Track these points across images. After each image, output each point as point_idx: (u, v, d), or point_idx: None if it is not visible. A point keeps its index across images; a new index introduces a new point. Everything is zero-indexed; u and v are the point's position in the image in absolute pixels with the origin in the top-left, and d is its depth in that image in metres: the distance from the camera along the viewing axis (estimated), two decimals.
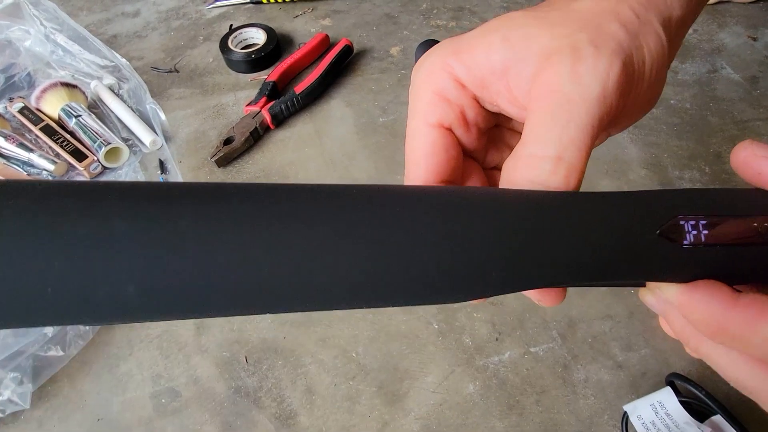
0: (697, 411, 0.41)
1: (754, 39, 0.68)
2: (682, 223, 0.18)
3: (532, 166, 0.19)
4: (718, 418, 0.40)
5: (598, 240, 0.18)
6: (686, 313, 0.19)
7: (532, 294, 0.22)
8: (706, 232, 0.18)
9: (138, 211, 0.14)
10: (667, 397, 0.42)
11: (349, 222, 0.16)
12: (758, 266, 0.19)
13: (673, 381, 0.43)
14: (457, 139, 0.22)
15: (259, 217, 0.15)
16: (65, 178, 0.60)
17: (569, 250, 0.18)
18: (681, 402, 0.41)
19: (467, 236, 0.17)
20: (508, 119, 0.25)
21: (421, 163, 0.22)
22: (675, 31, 0.21)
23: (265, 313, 0.16)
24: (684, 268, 0.19)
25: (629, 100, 0.20)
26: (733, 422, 0.39)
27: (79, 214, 0.14)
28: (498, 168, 0.26)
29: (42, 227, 0.13)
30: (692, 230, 0.18)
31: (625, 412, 0.42)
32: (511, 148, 0.25)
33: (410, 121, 0.22)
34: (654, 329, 0.47)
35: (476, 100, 0.22)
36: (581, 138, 0.18)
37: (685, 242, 0.18)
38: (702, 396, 0.41)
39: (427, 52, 0.22)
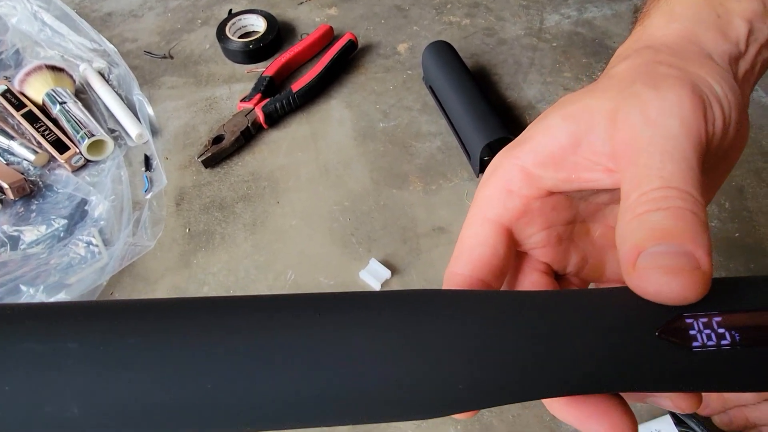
0: None
1: None
2: (689, 321, 0.16)
3: (642, 205, 0.17)
4: None
5: (577, 346, 0.16)
6: None
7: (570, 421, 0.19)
8: (721, 330, 0.16)
9: (87, 336, 0.15)
10: (666, 426, 0.40)
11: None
12: None
13: (673, 412, 0.41)
14: (512, 240, 0.21)
15: (199, 338, 0.15)
16: (46, 170, 0.57)
17: (542, 360, 0.16)
18: None
19: (426, 353, 0.16)
20: (589, 210, 0.23)
21: (465, 255, 0.21)
22: (743, 67, 0.21)
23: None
24: (697, 377, 0.16)
25: (721, 130, 0.18)
26: None
27: (33, 337, 0.14)
28: (578, 276, 0.24)
29: None
30: (704, 329, 0.16)
31: None
32: (593, 244, 0.23)
33: (470, 210, 0.22)
34: None
35: (545, 189, 0.21)
36: (682, 168, 0.17)
37: (695, 344, 0.16)
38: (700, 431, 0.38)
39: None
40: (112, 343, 0.14)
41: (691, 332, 0.15)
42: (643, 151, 0.17)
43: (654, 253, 0.15)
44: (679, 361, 0.15)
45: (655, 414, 0.42)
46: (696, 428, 0.39)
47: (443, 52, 0.60)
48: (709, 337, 0.15)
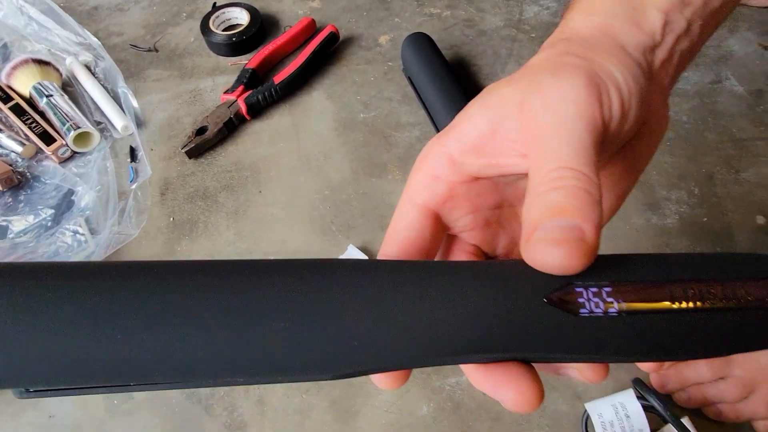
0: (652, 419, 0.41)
1: (766, 47, 0.64)
2: (579, 290, 0.17)
3: (542, 185, 0.18)
4: (669, 428, 0.40)
5: (468, 311, 0.17)
6: None
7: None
8: (610, 300, 0.17)
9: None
10: (629, 399, 0.41)
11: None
12: (679, 339, 0.17)
13: (636, 386, 0.42)
14: (439, 223, 0.23)
15: (120, 295, 0.16)
16: (34, 162, 0.58)
17: (433, 324, 0.17)
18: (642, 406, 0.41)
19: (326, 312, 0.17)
20: (515, 194, 0.24)
21: (393, 238, 0.22)
22: (660, 56, 0.22)
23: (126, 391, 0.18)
24: (584, 342, 0.17)
25: (619, 114, 0.19)
26: None
27: None
28: (509, 258, 0.25)
29: None
30: (593, 298, 0.17)
31: (586, 411, 0.42)
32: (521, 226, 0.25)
33: (402, 195, 0.23)
34: None
35: (469, 175, 0.22)
36: (577, 149, 0.18)
37: (582, 311, 0.17)
38: (658, 407, 0.40)
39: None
40: (30, 294, 0.15)
41: (580, 300, 0.16)
42: (543, 136, 0.18)
43: (546, 227, 0.17)
44: (565, 327, 0.16)
45: (618, 388, 0.43)
46: (654, 402, 0.40)
47: (421, 44, 0.61)
48: (597, 306, 0.16)
